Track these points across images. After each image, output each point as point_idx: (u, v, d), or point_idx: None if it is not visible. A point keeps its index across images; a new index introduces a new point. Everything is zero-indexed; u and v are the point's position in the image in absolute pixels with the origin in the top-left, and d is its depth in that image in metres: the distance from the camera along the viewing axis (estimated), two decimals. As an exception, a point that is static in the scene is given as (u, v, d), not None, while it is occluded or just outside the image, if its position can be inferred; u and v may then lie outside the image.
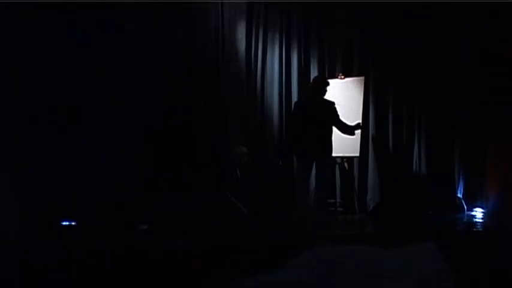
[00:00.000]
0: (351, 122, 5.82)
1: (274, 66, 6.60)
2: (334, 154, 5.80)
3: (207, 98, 6.20)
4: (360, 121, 5.47)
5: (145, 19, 5.93)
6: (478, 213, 6.21)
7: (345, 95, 5.99)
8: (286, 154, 5.67)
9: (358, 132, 5.77)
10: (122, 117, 5.66)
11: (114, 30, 5.73)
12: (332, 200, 6.36)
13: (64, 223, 5.07)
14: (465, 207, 6.35)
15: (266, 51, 6.60)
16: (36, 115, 5.35)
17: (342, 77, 6.09)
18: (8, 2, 5.16)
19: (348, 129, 5.25)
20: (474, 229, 5.34)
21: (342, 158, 6.03)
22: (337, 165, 6.16)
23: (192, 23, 6.16)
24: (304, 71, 6.62)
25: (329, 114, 5.14)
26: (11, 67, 5.30)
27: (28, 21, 5.35)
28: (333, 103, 5.25)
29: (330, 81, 6.19)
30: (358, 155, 6.23)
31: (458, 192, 6.55)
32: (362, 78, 6.08)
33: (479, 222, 5.75)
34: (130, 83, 5.79)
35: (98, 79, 5.61)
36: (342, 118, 5.88)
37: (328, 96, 6.07)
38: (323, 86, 5.23)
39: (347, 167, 6.14)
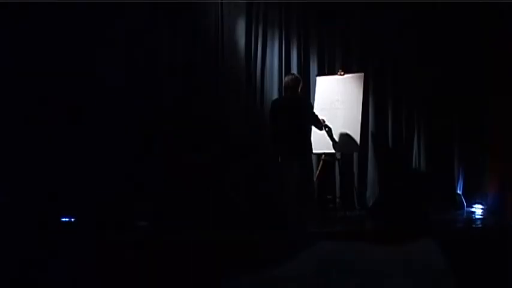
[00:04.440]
0: (351, 119, 5.84)
1: (274, 64, 6.59)
2: (333, 151, 5.83)
3: (206, 97, 6.20)
4: (328, 116, 5.67)
5: (145, 18, 5.91)
6: (478, 209, 6.21)
7: (344, 91, 5.99)
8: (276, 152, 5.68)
9: (357, 128, 5.78)
10: (121, 114, 5.66)
11: (113, 29, 5.72)
12: (330, 196, 6.36)
13: (63, 219, 5.07)
14: (465, 204, 6.34)
15: (266, 49, 6.59)
16: (37, 112, 5.34)
17: (342, 73, 6.09)
18: (8, 2, 5.15)
19: (318, 124, 5.43)
20: (473, 225, 5.35)
21: (341, 154, 6.04)
22: (336, 162, 6.16)
23: (192, 22, 6.16)
24: (304, 68, 6.61)
25: (303, 110, 5.22)
26: (10, 65, 5.29)
27: (26, 20, 5.34)
28: (305, 99, 5.36)
29: (330, 77, 6.23)
30: (357, 151, 6.26)
31: (458, 188, 6.54)
32: (361, 74, 6.07)
33: (478, 218, 5.75)
34: (130, 81, 5.77)
35: (98, 77, 5.60)
36: (341, 115, 5.91)
37: (328, 93, 6.09)
38: (294, 83, 5.28)
39: (339, 163, 6.15)
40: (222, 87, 6.26)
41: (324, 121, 5.59)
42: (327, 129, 5.67)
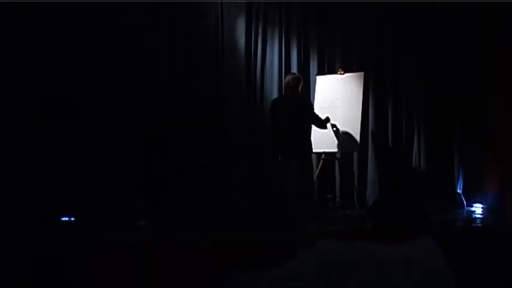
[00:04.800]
0: (351, 118, 5.84)
1: (274, 63, 6.59)
2: (333, 150, 5.83)
3: (206, 97, 6.20)
4: (329, 115, 5.60)
5: (145, 18, 5.92)
6: (478, 208, 6.20)
7: (344, 90, 5.99)
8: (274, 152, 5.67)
9: (357, 128, 5.78)
10: (121, 114, 5.66)
11: (113, 29, 5.72)
12: (330, 195, 6.36)
13: (63, 219, 5.08)
14: (464, 203, 6.34)
15: (266, 48, 6.59)
16: (36, 112, 5.35)
17: (342, 72, 6.09)
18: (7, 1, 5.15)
19: (321, 123, 5.43)
20: (473, 225, 5.34)
21: (341, 153, 6.05)
22: (336, 161, 6.16)
23: (191, 22, 6.16)
24: (304, 67, 6.61)
25: (303, 110, 5.22)
26: (10, 66, 5.29)
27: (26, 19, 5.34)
28: (305, 98, 5.41)
29: (330, 76, 6.23)
30: (357, 150, 6.26)
31: (458, 187, 6.54)
32: (361, 73, 6.07)
33: (478, 217, 5.75)
34: (130, 81, 5.78)
35: (97, 76, 5.60)
36: (341, 114, 5.91)
37: (328, 92, 6.10)
38: (294, 83, 5.29)
39: (339, 162, 6.15)
40: (222, 87, 6.27)
41: (329, 119, 5.57)
42: (334, 129, 5.67)
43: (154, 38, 5.97)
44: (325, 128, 5.53)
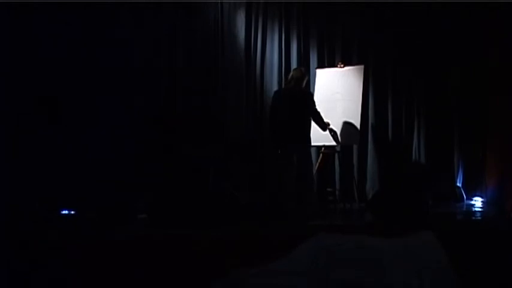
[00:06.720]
0: (351, 111, 5.83)
1: (274, 57, 6.57)
2: (333, 143, 5.82)
3: (206, 94, 6.21)
4: (329, 121, 5.56)
5: (145, 18, 5.91)
6: (478, 202, 6.22)
7: (344, 83, 5.98)
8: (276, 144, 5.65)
9: (357, 121, 5.77)
10: (121, 113, 5.67)
11: (114, 26, 5.71)
12: (330, 189, 6.36)
13: (63, 212, 5.09)
14: (464, 196, 6.35)
15: (265, 41, 6.57)
16: (37, 105, 5.35)
17: (342, 65, 6.08)
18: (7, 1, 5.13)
19: (321, 121, 5.36)
20: (473, 218, 5.35)
21: (341, 146, 6.04)
22: (336, 154, 6.16)
23: (191, 18, 6.16)
24: (304, 61, 6.59)
25: (305, 103, 5.22)
26: (10, 65, 5.29)
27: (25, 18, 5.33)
28: (309, 92, 5.41)
29: (330, 69, 6.22)
30: (357, 144, 6.26)
31: (458, 181, 6.55)
32: (361, 66, 6.06)
33: (478, 211, 5.76)
34: (130, 80, 5.78)
35: (97, 75, 5.61)
36: (341, 107, 5.89)
37: (328, 85, 6.09)
38: (299, 76, 5.29)
39: (339, 155, 6.15)
40: (222, 86, 6.27)
41: (329, 124, 5.56)
42: (332, 133, 5.65)
43: (154, 37, 5.97)
44: (324, 129, 5.48)
